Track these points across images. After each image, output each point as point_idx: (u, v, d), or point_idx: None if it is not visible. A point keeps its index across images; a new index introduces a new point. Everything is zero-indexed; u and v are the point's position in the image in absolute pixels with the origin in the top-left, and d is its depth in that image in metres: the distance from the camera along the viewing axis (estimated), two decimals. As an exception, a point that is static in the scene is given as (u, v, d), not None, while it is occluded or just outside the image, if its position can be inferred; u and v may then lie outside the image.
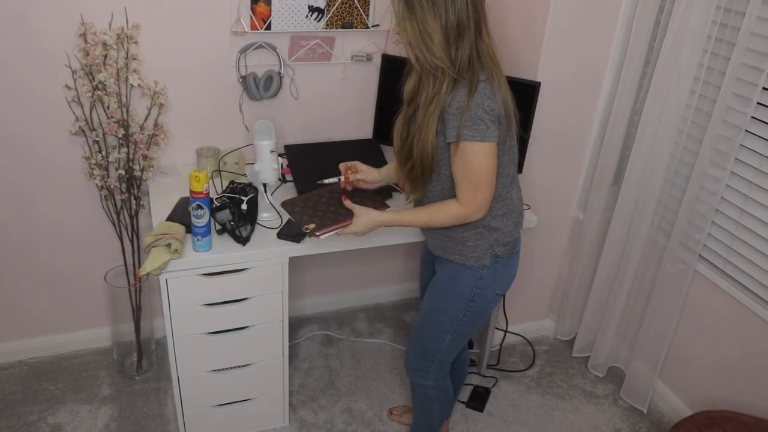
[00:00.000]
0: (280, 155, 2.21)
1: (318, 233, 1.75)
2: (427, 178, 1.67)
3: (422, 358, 1.93)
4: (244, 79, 2.30)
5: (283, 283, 2.02)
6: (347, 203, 1.78)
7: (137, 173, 2.22)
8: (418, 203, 1.79)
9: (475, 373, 2.66)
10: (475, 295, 1.77)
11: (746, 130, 1.99)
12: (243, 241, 1.92)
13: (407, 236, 2.09)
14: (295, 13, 2.26)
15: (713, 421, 1.97)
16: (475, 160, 1.56)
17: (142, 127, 2.19)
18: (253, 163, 2.05)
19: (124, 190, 2.25)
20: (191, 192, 1.78)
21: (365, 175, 1.88)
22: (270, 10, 2.22)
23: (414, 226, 1.76)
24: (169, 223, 1.94)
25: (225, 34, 2.23)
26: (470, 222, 1.68)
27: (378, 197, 1.91)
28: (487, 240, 1.72)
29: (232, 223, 1.89)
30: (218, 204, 1.86)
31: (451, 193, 1.67)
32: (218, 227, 1.94)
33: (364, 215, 1.74)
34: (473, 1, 1.52)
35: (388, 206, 1.85)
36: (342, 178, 1.88)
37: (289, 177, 2.30)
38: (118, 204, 2.31)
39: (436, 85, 1.57)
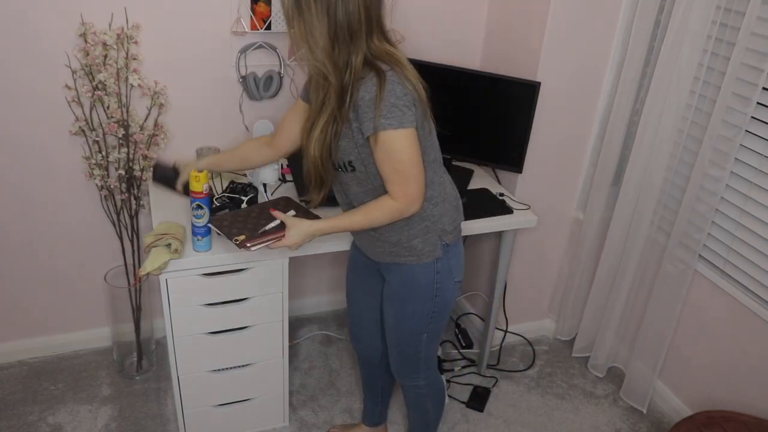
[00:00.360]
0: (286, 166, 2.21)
1: (248, 244, 1.67)
2: (326, 182, 1.64)
3: (407, 362, 1.90)
4: (244, 79, 2.30)
5: (283, 283, 2.02)
6: (276, 214, 1.72)
7: (137, 173, 2.22)
8: (316, 204, 1.73)
9: (475, 373, 2.66)
10: (437, 290, 1.73)
11: (746, 130, 2.00)
12: None
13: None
14: (295, 13, 2.25)
15: (713, 421, 1.97)
16: (397, 148, 1.50)
17: (142, 127, 2.19)
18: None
19: (124, 190, 2.25)
20: (191, 192, 1.78)
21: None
22: (270, 10, 2.22)
23: (350, 230, 1.68)
24: (170, 223, 1.94)
25: (225, 34, 2.23)
26: (412, 218, 1.63)
27: (309, 211, 1.86)
28: (435, 232, 1.67)
29: None
30: (218, 204, 1.86)
31: (382, 191, 1.60)
32: None
33: (296, 226, 1.66)
34: (366, 5, 1.47)
35: (318, 216, 1.77)
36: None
37: (289, 177, 2.30)
38: (118, 204, 2.31)
39: (325, 87, 1.54)
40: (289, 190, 2.26)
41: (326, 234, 1.69)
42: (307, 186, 1.69)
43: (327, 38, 1.46)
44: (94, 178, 2.23)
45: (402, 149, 1.50)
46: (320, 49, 1.47)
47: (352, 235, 1.86)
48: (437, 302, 1.75)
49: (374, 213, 1.60)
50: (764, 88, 1.93)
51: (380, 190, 1.61)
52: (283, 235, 1.67)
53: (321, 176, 1.63)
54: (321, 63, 1.49)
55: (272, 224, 1.73)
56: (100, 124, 2.16)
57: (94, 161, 2.20)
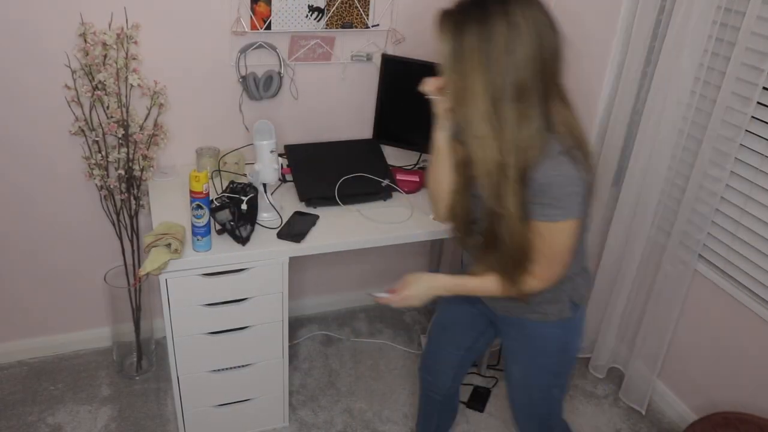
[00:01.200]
0: (280, 155, 2.21)
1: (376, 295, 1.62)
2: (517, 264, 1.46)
3: (541, 419, 1.77)
4: (244, 79, 2.29)
5: (283, 283, 2.02)
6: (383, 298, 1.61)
7: (137, 173, 2.22)
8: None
9: (476, 373, 2.66)
10: (565, 346, 1.63)
11: (746, 130, 1.99)
12: (243, 241, 1.92)
13: (408, 236, 2.09)
14: (295, 13, 2.25)
15: (729, 422, 1.97)
16: (559, 238, 1.37)
17: (141, 127, 2.19)
18: (253, 163, 2.05)
19: (124, 190, 2.25)
20: (191, 192, 1.78)
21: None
22: (270, 10, 2.22)
23: (477, 294, 1.57)
24: (170, 223, 1.94)
25: (225, 34, 2.23)
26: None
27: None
28: (566, 292, 1.55)
29: (231, 223, 1.89)
30: (218, 204, 1.86)
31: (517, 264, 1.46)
32: (218, 227, 1.94)
33: (415, 281, 1.56)
34: (542, 60, 1.27)
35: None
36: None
37: (289, 177, 2.30)
38: (118, 204, 2.30)
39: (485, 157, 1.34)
40: (289, 190, 2.26)
41: (451, 293, 1.59)
42: (478, 257, 1.56)
43: (487, 99, 1.28)
44: (94, 178, 2.23)
45: (564, 240, 1.38)
46: (476, 109, 1.30)
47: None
48: (565, 358, 1.66)
49: (488, 285, 1.51)
50: (764, 88, 1.92)
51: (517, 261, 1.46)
52: (398, 291, 1.57)
53: (517, 250, 1.45)
54: (477, 127, 1.31)
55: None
56: (100, 124, 2.16)
57: (93, 161, 2.20)
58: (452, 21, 1.29)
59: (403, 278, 1.60)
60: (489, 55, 1.25)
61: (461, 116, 1.35)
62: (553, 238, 1.38)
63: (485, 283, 1.52)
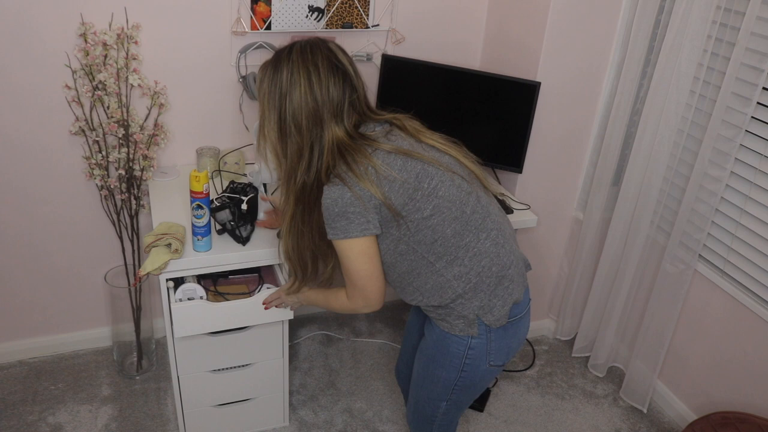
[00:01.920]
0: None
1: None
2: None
3: (421, 421, 1.78)
4: (244, 79, 2.30)
5: (283, 283, 2.02)
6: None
7: (137, 173, 2.22)
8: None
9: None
10: (465, 365, 1.58)
11: (746, 130, 2.00)
12: (243, 241, 1.92)
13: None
14: (295, 13, 2.26)
15: (728, 421, 1.97)
16: (343, 256, 1.50)
17: (142, 127, 2.20)
18: (253, 163, 2.05)
19: (124, 190, 2.25)
20: (191, 192, 1.78)
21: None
22: (270, 10, 2.22)
23: (312, 304, 1.77)
24: (170, 223, 1.94)
25: (225, 34, 2.23)
26: (445, 292, 1.52)
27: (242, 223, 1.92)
28: (471, 310, 1.52)
29: (232, 223, 1.89)
30: (218, 204, 1.86)
31: (411, 275, 1.54)
32: (218, 227, 1.94)
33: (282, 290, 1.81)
34: (314, 98, 1.44)
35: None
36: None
37: None
38: (118, 204, 2.31)
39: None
40: (289, 190, 2.26)
41: (301, 301, 1.81)
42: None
43: (277, 131, 1.49)
44: (94, 178, 2.23)
45: (348, 257, 1.49)
46: (269, 143, 1.52)
47: None
48: (463, 377, 1.61)
49: (332, 300, 1.65)
50: (764, 88, 1.93)
51: (408, 276, 1.54)
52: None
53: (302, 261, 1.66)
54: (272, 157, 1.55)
55: None
56: (100, 124, 2.16)
57: (94, 161, 2.20)
58: (263, 66, 1.52)
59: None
60: (277, 95, 1.47)
61: (263, 148, 1.56)
62: (340, 255, 1.51)
63: (318, 294, 1.72)
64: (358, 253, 1.48)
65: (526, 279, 1.65)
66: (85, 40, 2.03)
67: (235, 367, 2.13)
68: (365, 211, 1.43)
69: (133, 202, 2.28)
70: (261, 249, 1.93)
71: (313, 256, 1.63)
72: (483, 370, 1.60)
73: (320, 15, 2.29)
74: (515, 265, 1.57)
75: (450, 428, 1.81)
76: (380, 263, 1.53)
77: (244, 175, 2.30)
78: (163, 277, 1.85)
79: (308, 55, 1.45)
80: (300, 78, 1.44)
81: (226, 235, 1.96)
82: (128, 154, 2.18)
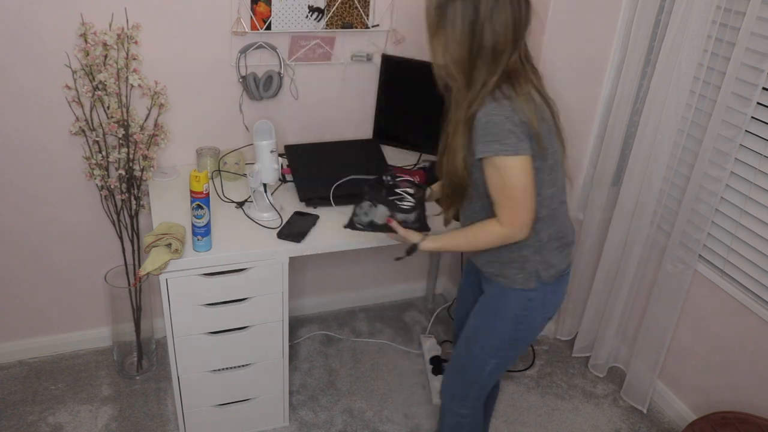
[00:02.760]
0: (280, 155, 2.21)
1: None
2: (458, 197, 1.62)
3: (462, 384, 1.82)
4: (244, 79, 2.30)
5: (283, 283, 2.02)
6: (394, 225, 1.72)
7: (137, 173, 2.22)
8: (449, 222, 1.75)
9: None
10: (523, 317, 1.67)
11: (746, 131, 2.00)
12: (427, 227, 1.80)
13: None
14: (295, 13, 2.26)
15: (727, 421, 1.97)
16: (511, 174, 1.46)
17: (142, 127, 2.20)
18: (253, 163, 2.05)
19: (124, 190, 2.25)
20: (191, 192, 1.78)
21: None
22: (270, 10, 2.22)
23: (455, 251, 1.69)
24: (170, 223, 1.94)
25: (225, 34, 2.23)
26: (514, 244, 1.59)
27: (424, 219, 1.82)
28: (533, 264, 1.62)
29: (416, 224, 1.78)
30: (408, 206, 1.77)
31: (491, 212, 1.57)
32: (365, 222, 1.79)
33: (406, 240, 1.70)
34: (515, 25, 1.44)
35: (429, 229, 1.79)
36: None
37: (289, 177, 2.30)
38: (118, 204, 2.31)
39: (458, 100, 1.53)
40: (289, 190, 2.26)
41: (431, 252, 1.71)
42: (441, 200, 1.71)
43: (467, 55, 1.46)
44: (94, 178, 2.23)
45: (517, 175, 1.47)
46: (454, 63, 1.48)
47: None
48: (519, 329, 1.69)
49: (479, 236, 1.59)
50: (764, 89, 1.93)
51: (489, 208, 1.57)
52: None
53: (456, 190, 1.62)
54: (452, 77, 1.51)
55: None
56: (100, 124, 2.16)
57: (94, 161, 2.20)
58: None
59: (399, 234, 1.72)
60: (469, 20, 1.44)
61: (444, 68, 1.52)
62: (502, 174, 1.48)
63: (457, 238, 1.64)
64: (526, 169, 1.47)
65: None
66: (85, 40, 2.03)
67: (235, 367, 2.13)
68: (529, 132, 1.46)
69: (133, 202, 2.28)
70: (261, 249, 1.93)
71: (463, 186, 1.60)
72: (537, 323, 1.70)
73: (320, 15, 2.29)
74: (573, 237, 1.71)
75: (485, 394, 1.86)
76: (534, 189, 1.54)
77: (244, 175, 2.30)
78: (163, 277, 1.85)
79: None
80: (505, 3, 1.42)
81: (226, 235, 1.96)
82: (128, 154, 2.18)
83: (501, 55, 1.45)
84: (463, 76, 1.49)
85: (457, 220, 1.75)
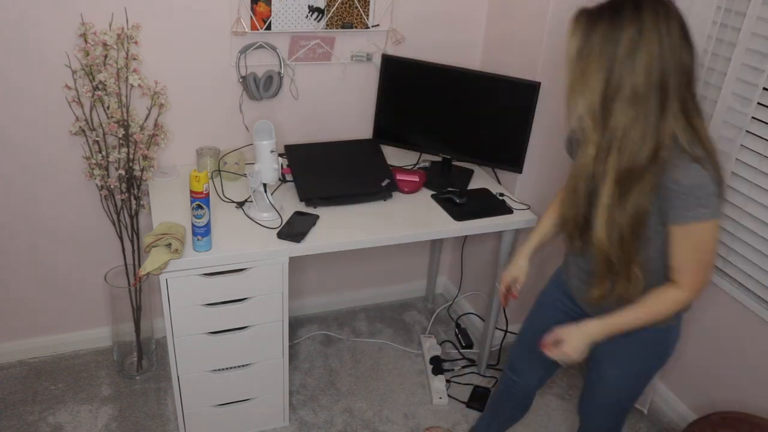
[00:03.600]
0: (280, 155, 2.22)
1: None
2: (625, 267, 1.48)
3: (615, 427, 1.80)
4: (244, 79, 2.30)
5: (283, 283, 2.02)
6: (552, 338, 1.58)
7: (137, 173, 2.22)
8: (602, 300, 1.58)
9: (475, 373, 2.66)
10: (664, 353, 1.63)
11: (747, 131, 1.99)
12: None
13: (408, 236, 2.09)
14: (295, 13, 2.26)
15: (727, 422, 1.97)
16: (708, 239, 1.37)
17: (142, 127, 2.19)
18: (253, 163, 2.05)
19: (124, 190, 2.25)
20: (191, 192, 1.78)
21: (523, 276, 1.85)
22: (270, 10, 2.22)
23: (631, 329, 1.53)
24: (170, 223, 1.94)
25: (225, 34, 2.23)
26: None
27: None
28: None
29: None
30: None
31: (651, 279, 1.48)
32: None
33: (572, 334, 1.53)
34: (662, 70, 1.30)
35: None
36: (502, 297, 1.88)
37: (289, 177, 2.30)
38: (118, 204, 2.31)
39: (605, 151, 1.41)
40: (289, 190, 2.26)
41: (603, 336, 1.54)
42: (595, 276, 1.55)
43: (598, 96, 1.35)
44: (94, 178, 2.23)
45: (711, 240, 1.38)
46: (585, 107, 1.38)
47: (565, 275, 1.76)
48: (659, 366, 1.65)
49: (657, 306, 1.47)
50: (764, 89, 1.92)
51: (660, 260, 1.47)
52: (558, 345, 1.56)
53: (610, 260, 1.48)
54: (587, 126, 1.40)
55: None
56: (100, 124, 2.16)
57: (94, 161, 2.20)
58: (585, 19, 1.37)
59: (553, 334, 1.58)
60: (611, 56, 1.32)
61: (572, 108, 1.42)
62: (704, 239, 1.38)
63: (634, 313, 1.50)
64: (716, 233, 1.38)
65: None
66: (85, 41, 2.02)
67: (235, 367, 2.13)
68: (722, 194, 1.37)
69: (133, 202, 2.28)
70: (261, 249, 1.93)
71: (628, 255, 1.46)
72: (671, 354, 1.64)
73: (320, 15, 2.29)
74: None
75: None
76: None
77: (244, 175, 2.30)
78: (163, 277, 1.85)
79: (662, 18, 1.30)
80: (651, 40, 1.30)
81: (226, 235, 1.95)
82: (128, 154, 2.18)
83: (644, 102, 1.34)
84: (592, 120, 1.42)
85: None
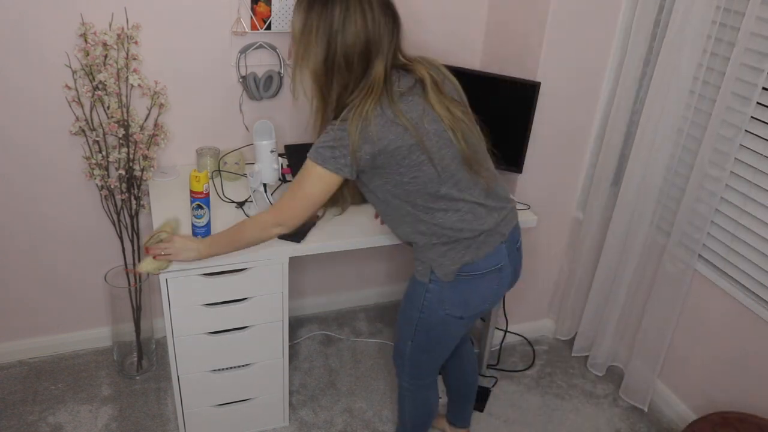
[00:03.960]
0: (280, 155, 2.21)
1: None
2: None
3: (397, 355, 1.96)
4: (244, 79, 2.30)
5: (283, 283, 2.02)
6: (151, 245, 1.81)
7: (137, 173, 2.22)
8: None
9: (475, 373, 2.66)
10: (424, 307, 1.76)
11: (746, 130, 2.00)
12: None
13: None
14: (295, 13, 2.25)
15: (727, 421, 1.97)
16: (307, 177, 1.63)
17: (142, 127, 2.20)
18: (253, 163, 2.05)
19: (124, 190, 2.25)
20: (191, 192, 1.78)
21: None
22: (270, 10, 2.22)
23: (218, 252, 1.79)
24: (167, 219, 1.94)
25: (225, 34, 2.23)
26: (417, 242, 1.71)
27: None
28: (426, 259, 1.72)
29: None
30: None
31: (396, 218, 1.72)
32: None
33: (179, 241, 1.78)
34: (367, 38, 1.53)
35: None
36: None
37: (289, 177, 2.30)
38: (118, 204, 2.31)
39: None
40: (289, 190, 2.26)
41: (204, 257, 1.80)
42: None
43: (322, 66, 1.56)
44: (94, 178, 2.23)
45: (309, 179, 1.62)
46: (310, 72, 1.59)
47: None
48: (422, 317, 1.78)
49: (243, 230, 1.76)
50: (764, 88, 1.93)
51: (384, 212, 1.73)
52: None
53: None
54: (309, 87, 1.62)
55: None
56: (100, 124, 2.16)
57: (94, 161, 2.20)
58: (306, 1, 1.57)
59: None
60: (325, 32, 1.53)
61: (299, 78, 1.63)
62: (303, 175, 1.64)
63: (219, 236, 1.79)
64: (320, 182, 1.61)
65: (497, 246, 1.73)
66: (85, 41, 2.03)
67: (235, 367, 2.13)
68: (349, 156, 1.56)
69: (133, 202, 2.28)
70: (261, 249, 1.93)
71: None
72: (441, 316, 1.76)
73: (320, 15, 2.29)
74: (477, 238, 1.69)
75: (422, 376, 1.96)
76: (322, 203, 1.67)
77: (244, 175, 2.30)
78: (163, 277, 1.85)
79: None
80: (355, 15, 1.51)
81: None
82: (128, 154, 2.18)
83: (355, 68, 1.56)
84: (325, 95, 1.64)
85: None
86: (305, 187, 1.64)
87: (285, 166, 2.28)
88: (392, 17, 1.57)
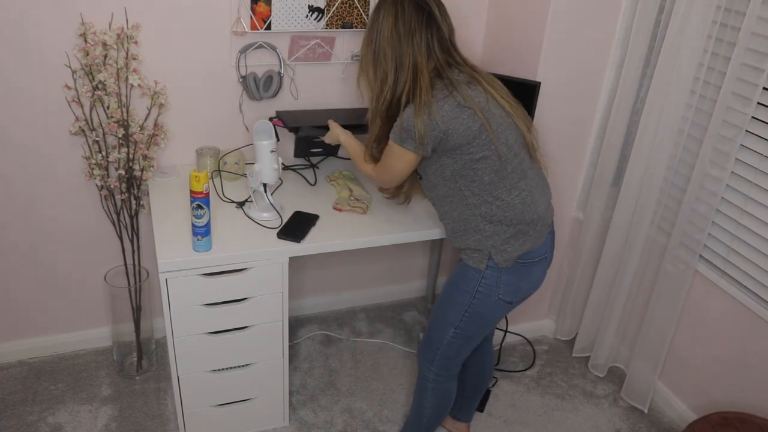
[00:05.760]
0: (272, 119, 2.23)
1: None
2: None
3: (428, 347, 1.99)
4: (244, 79, 2.30)
5: (283, 283, 2.02)
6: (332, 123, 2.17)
7: (137, 173, 2.22)
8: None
9: (475, 373, 2.66)
10: (478, 293, 1.83)
11: (746, 130, 1.99)
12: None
13: (408, 236, 2.09)
14: (295, 13, 2.26)
15: (728, 422, 1.97)
16: (390, 154, 1.82)
17: (142, 127, 2.20)
18: (253, 163, 2.05)
19: (124, 190, 2.25)
20: (191, 192, 1.78)
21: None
22: (270, 10, 2.22)
23: (346, 146, 2.10)
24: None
25: (225, 34, 2.23)
26: (468, 225, 1.81)
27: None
28: (485, 246, 1.80)
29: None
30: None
31: (448, 200, 1.83)
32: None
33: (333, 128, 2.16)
34: (398, 30, 1.74)
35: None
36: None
37: (284, 143, 2.31)
38: (118, 204, 2.31)
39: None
40: (289, 190, 2.26)
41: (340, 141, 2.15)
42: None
43: (371, 61, 1.81)
44: (94, 178, 2.23)
45: (392, 156, 1.81)
46: (364, 72, 1.85)
47: None
48: (474, 304, 1.85)
49: (361, 162, 2.01)
50: (764, 88, 1.93)
51: (445, 199, 1.84)
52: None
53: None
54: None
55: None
56: (100, 124, 2.16)
57: (94, 161, 2.20)
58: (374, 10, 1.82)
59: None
60: (373, 31, 1.78)
61: (362, 78, 1.88)
62: (387, 153, 1.84)
63: (355, 148, 2.06)
64: (401, 159, 1.80)
65: (546, 236, 1.86)
66: (85, 40, 2.02)
67: (235, 367, 2.13)
68: (425, 136, 1.71)
69: (133, 202, 2.28)
70: (261, 249, 1.93)
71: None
72: (492, 302, 1.84)
73: (320, 15, 2.29)
74: (535, 224, 1.81)
75: (452, 366, 2.01)
76: (408, 175, 1.87)
77: (244, 175, 2.30)
78: (163, 277, 1.85)
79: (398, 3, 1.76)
80: (388, 15, 1.75)
81: (226, 236, 1.95)
82: (128, 154, 2.18)
83: (391, 58, 1.77)
84: (373, 84, 1.87)
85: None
86: (390, 163, 1.83)
87: (275, 119, 2.28)
88: (427, 15, 1.76)
